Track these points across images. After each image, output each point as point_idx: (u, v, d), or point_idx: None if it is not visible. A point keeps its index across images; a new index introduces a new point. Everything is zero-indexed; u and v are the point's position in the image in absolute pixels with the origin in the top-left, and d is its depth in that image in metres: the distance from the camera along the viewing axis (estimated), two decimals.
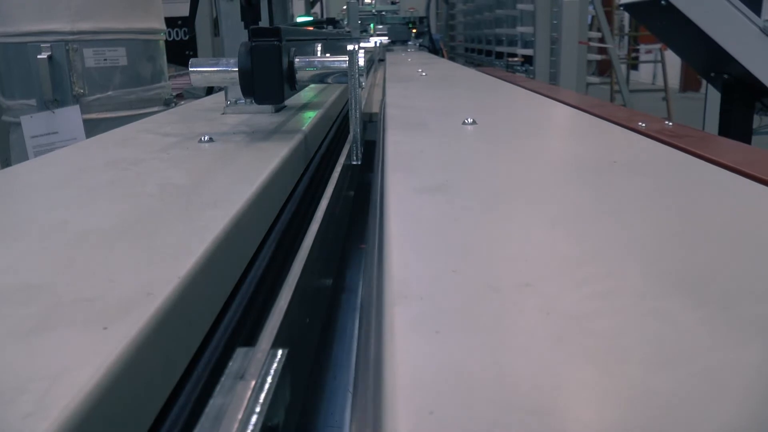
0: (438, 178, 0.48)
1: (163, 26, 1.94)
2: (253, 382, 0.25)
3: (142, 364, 0.27)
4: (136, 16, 1.79)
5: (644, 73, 9.10)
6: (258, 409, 0.24)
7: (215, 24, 3.64)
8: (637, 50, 8.51)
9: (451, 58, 4.91)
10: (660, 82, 6.91)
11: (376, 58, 2.64)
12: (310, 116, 0.90)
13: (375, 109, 1.40)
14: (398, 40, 4.83)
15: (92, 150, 0.70)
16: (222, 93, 1.01)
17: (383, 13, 4.90)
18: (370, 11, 4.77)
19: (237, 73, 0.74)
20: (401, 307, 0.26)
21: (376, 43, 2.84)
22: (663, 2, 1.78)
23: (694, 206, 0.42)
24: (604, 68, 6.71)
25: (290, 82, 0.78)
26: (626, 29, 8.29)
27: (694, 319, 0.25)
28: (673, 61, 6.13)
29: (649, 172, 0.52)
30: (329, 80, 0.81)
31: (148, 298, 0.30)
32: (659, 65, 6.96)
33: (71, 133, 1.66)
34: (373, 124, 1.31)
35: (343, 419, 0.46)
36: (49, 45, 1.65)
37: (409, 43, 4.83)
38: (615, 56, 5.06)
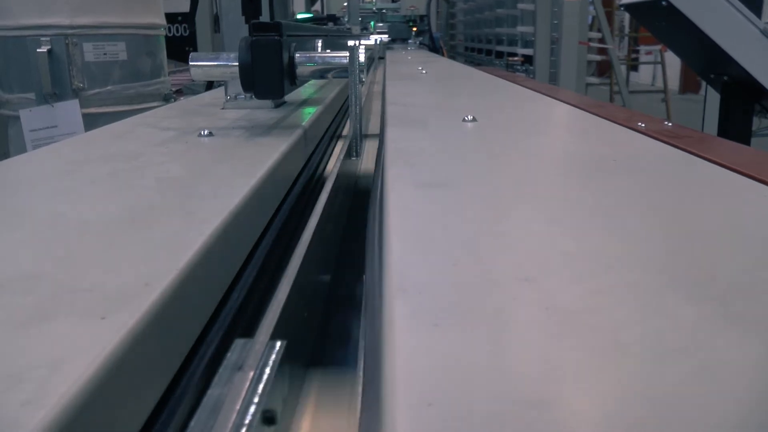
0: (438, 174, 0.48)
1: (164, 21, 1.94)
2: (251, 373, 0.25)
3: (141, 354, 0.27)
4: (136, 11, 1.79)
5: (644, 75, 9.10)
6: (256, 400, 0.24)
7: (215, 20, 3.63)
8: (637, 51, 8.50)
9: (451, 57, 4.91)
10: (659, 84, 6.92)
11: (376, 56, 2.64)
12: (310, 112, 0.90)
13: (375, 106, 1.40)
14: (398, 38, 4.83)
15: (91, 143, 0.70)
16: (221, 89, 1.01)
17: (384, 11, 4.90)
18: (371, 9, 4.77)
19: (237, 68, 0.74)
20: (401, 300, 0.26)
21: (376, 40, 2.84)
22: (663, 3, 1.78)
23: (693, 204, 0.42)
24: (603, 69, 6.71)
25: (290, 77, 0.78)
26: (626, 30, 8.28)
27: (693, 316, 0.25)
28: (673, 62, 6.14)
29: (648, 169, 0.52)
30: (330, 76, 0.81)
31: (146, 289, 0.30)
32: (659, 66, 6.96)
33: (70, 127, 1.66)
34: (372, 120, 1.31)
35: None
36: (48, 39, 1.65)
37: (410, 41, 4.83)
38: (615, 57, 5.05)
